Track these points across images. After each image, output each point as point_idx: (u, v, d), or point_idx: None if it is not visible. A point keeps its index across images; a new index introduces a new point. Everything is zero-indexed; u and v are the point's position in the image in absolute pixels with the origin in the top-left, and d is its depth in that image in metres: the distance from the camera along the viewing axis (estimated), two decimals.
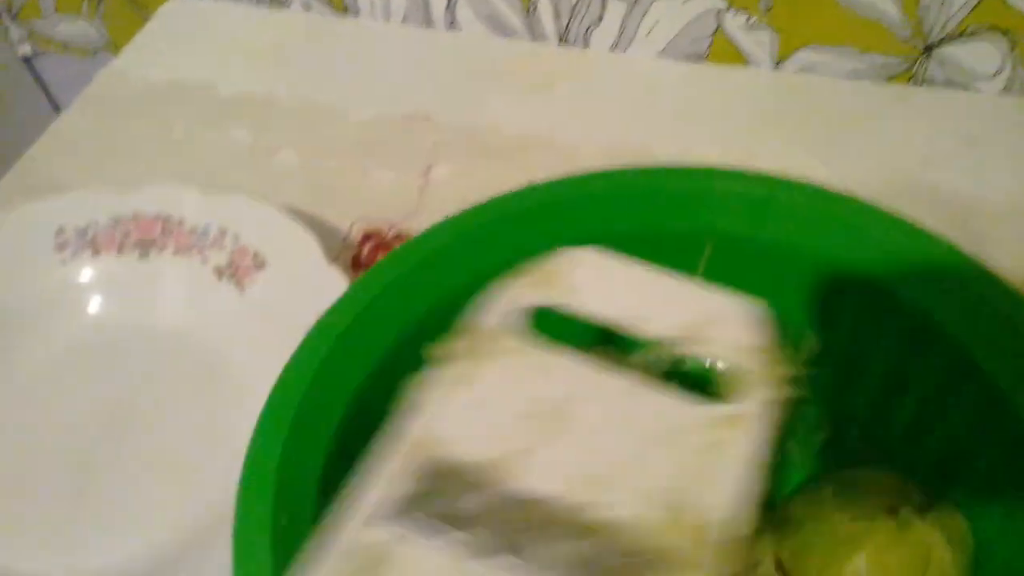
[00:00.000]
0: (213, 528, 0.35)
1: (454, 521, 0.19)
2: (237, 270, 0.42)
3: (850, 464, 0.34)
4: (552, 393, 0.22)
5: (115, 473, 0.38)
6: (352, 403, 0.31)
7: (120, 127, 0.55)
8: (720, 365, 0.23)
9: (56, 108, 0.81)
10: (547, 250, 0.35)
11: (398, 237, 0.45)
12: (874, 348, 0.32)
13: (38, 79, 0.79)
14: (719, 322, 0.23)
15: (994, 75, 0.48)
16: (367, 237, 0.47)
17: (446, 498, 0.20)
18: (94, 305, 0.43)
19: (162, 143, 0.53)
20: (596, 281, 0.25)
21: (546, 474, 0.20)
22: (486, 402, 0.22)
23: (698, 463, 0.20)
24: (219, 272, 0.42)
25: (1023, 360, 0.28)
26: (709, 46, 0.53)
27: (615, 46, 0.55)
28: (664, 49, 0.54)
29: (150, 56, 0.60)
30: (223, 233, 0.43)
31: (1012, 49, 0.47)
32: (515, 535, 0.19)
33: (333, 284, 0.38)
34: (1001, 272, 0.43)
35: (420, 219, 0.47)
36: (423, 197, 0.48)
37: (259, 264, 0.41)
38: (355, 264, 0.45)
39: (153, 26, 0.62)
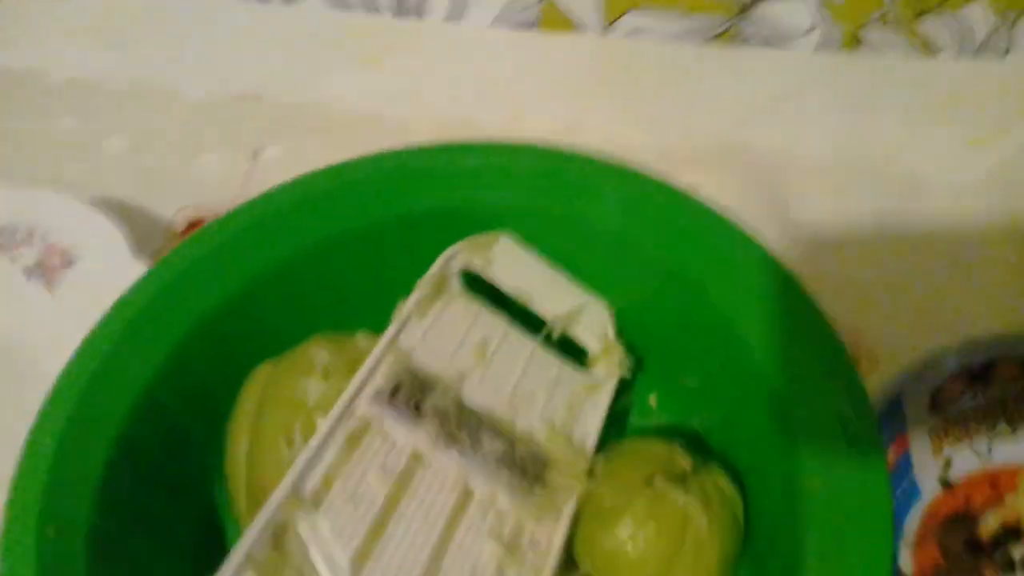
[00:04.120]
0: None
1: (417, 413, 0.29)
2: (46, 269, 0.41)
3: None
4: (480, 333, 0.32)
5: None
6: (137, 408, 0.30)
7: None
8: (585, 342, 0.34)
9: None
10: (355, 231, 0.34)
11: None
12: (662, 304, 0.33)
13: None
14: (586, 312, 0.34)
15: (807, 32, 0.49)
16: (192, 225, 0.46)
17: (413, 394, 0.29)
18: None
19: None
20: (507, 259, 0.33)
21: (478, 391, 0.30)
22: (436, 330, 0.32)
23: (574, 404, 0.32)
24: (28, 272, 0.41)
25: (748, 297, 0.29)
26: (540, 12, 0.53)
27: (449, 16, 0.55)
28: (497, 16, 0.54)
29: None
30: (31, 232, 0.42)
31: (820, 5, 0.48)
32: (456, 431, 0.29)
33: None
34: (808, 223, 0.44)
35: None
36: (249, 181, 0.48)
37: (67, 262, 0.41)
38: None
39: None
